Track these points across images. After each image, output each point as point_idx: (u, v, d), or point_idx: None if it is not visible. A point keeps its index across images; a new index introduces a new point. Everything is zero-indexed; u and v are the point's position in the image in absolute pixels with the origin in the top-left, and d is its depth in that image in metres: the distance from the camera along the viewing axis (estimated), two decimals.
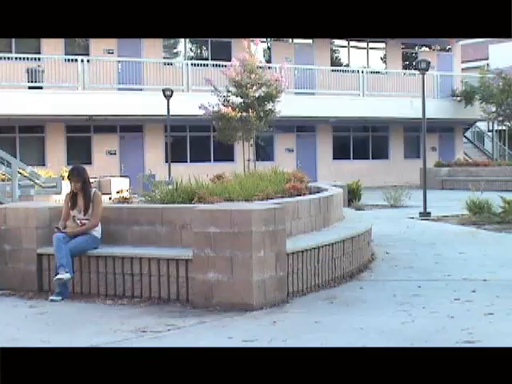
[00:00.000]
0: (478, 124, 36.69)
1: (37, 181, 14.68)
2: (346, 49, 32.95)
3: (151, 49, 28.26)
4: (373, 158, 32.48)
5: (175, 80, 26.74)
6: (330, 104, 29.08)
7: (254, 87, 22.05)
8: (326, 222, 9.07)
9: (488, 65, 38.30)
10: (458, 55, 35.62)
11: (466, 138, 37.12)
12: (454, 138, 35.11)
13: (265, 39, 29.95)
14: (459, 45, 35.47)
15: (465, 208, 14.42)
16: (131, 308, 7.06)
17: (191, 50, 30.20)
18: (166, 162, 25.23)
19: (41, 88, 25.30)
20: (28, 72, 25.06)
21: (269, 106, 22.47)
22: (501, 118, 32.62)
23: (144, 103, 25.86)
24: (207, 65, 27.41)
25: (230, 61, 23.45)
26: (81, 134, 27.52)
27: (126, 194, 11.65)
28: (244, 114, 21.91)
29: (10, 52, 25.83)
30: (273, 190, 9.00)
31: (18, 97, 24.36)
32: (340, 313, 6.65)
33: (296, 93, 28.76)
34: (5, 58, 25.04)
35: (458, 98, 32.60)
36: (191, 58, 29.21)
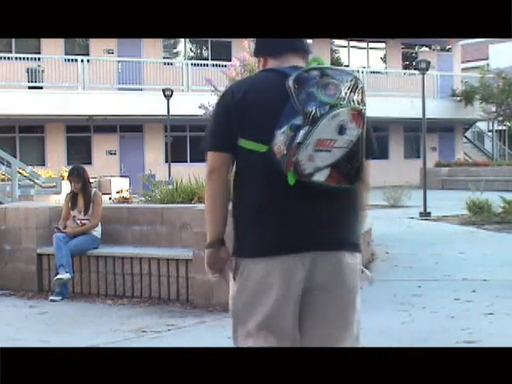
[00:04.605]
0: (478, 124, 36.68)
1: (37, 181, 14.68)
2: (346, 49, 32.96)
3: (151, 49, 28.26)
4: (373, 158, 32.35)
5: (175, 80, 26.74)
6: None
7: None
8: None
9: (488, 65, 38.29)
10: (458, 55, 35.61)
11: (466, 137, 37.11)
12: (454, 138, 35.10)
13: None
14: (459, 45, 35.47)
15: (465, 208, 14.42)
16: (131, 308, 7.06)
17: (191, 50, 30.19)
18: (166, 162, 25.23)
19: (41, 88, 25.30)
20: (28, 72, 25.06)
21: None
22: (501, 118, 32.62)
23: (144, 103, 25.86)
24: (207, 65, 27.40)
25: (230, 61, 23.37)
26: (81, 134, 27.52)
27: (125, 194, 11.65)
28: None
29: (10, 52, 25.83)
30: None
31: (17, 97, 24.36)
32: None
33: None
34: (5, 58, 25.04)
35: (458, 98, 32.58)
36: (191, 58, 29.21)
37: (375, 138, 3.20)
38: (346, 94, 2.68)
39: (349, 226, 2.83)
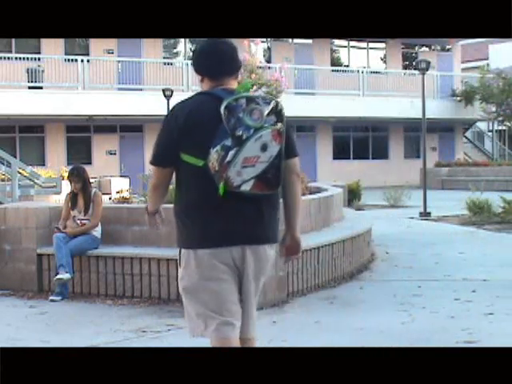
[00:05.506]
0: (478, 124, 36.68)
1: (37, 181, 14.67)
2: (346, 49, 32.95)
3: (151, 49, 28.26)
4: (373, 158, 32.47)
5: (175, 80, 26.73)
6: (329, 104, 29.06)
7: (255, 87, 22.03)
8: (325, 222, 9.07)
9: (488, 65, 38.28)
10: (458, 55, 35.61)
11: (466, 138, 37.11)
12: (454, 138, 35.10)
13: (265, 39, 29.94)
14: (459, 45, 35.46)
15: (465, 208, 14.41)
16: (131, 308, 7.06)
17: (191, 50, 30.19)
18: None
19: (41, 88, 25.29)
20: (28, 72, 25.05)
21: None
22: (501, 118, 32.61)
23: (144, 103, 25.85)
24: None
25: None
26: (81, 134, 27.52)
27: (125, 194, 11.66)
28: None
29: (10, 52, 25.82)
30: None
31: (17, 97, 24.35)
32: (340, 313, 6.66)
33: (296, 93, 28.74)
34: (5, 58, 25.03)
35: (458, 98, 32.56)
36: (191, 58, 29.21)
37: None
38: (268, 116, 3.28)
39: (270, 224, 3.51)
